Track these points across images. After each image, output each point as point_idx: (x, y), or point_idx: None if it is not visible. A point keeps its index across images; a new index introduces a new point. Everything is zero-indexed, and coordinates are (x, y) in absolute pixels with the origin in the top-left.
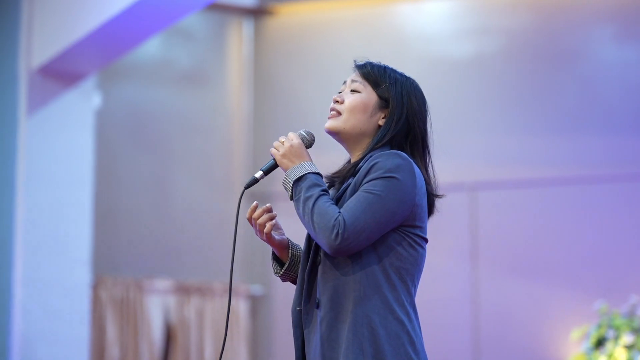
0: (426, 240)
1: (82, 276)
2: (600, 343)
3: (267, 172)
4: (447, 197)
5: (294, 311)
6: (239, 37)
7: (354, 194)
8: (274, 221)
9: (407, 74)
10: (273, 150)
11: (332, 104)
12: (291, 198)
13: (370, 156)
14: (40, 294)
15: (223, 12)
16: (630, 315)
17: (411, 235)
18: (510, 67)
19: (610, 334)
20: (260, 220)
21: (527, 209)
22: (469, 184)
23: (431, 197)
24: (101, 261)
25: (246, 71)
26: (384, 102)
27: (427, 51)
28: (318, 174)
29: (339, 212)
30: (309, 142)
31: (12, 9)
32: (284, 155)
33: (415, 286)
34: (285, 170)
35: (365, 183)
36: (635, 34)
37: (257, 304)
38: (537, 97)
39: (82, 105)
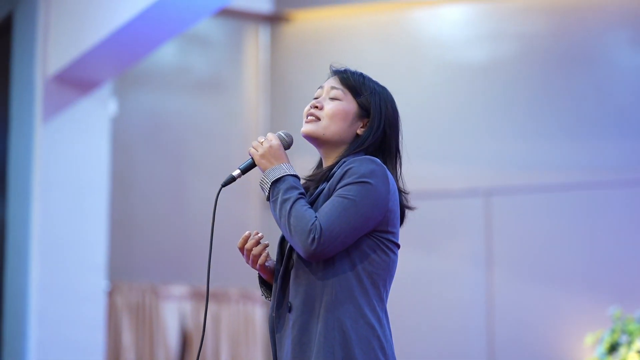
0: (398, 246)
1: (98, 282)
2: (613, 348)
3: (244, 171)
4: (462, 202)
5: (270, 317)
6: (256, 43)
7: (328, 198)
8: (267, 250)
9: (385, 82)
10: (252, 150)
11: (309, 109)
12: (268, 199)
13: (344, 161)
14: (56, 300)
15: (239, 19)
16: None
17: (384, 240)
18: (525, 72)
19: (624, 339)
20: (255, 252)
21: (541, 214)
22: (484, 189)
23: (403, 207)
24: (117, 267)
25: (262, 77)
26: (363, 111)
27: (442, 56)
28: (296, 176)
29: (316, 216)
30: (287, 144)
31: (28, 17)
32: (262, 156)
33: (387, 291)
34: (263, 171)
35: (339, 188)
36: None
37: None
38: (551, 102)
39: (98, 112)
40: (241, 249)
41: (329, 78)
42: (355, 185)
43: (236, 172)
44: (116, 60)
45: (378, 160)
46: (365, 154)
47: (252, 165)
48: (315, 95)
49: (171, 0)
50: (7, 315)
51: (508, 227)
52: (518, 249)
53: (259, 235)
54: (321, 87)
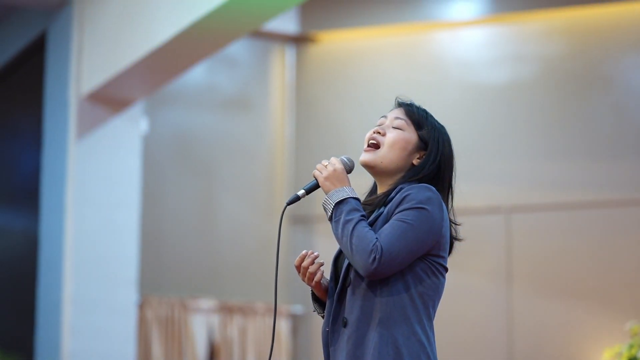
0: (447, 270)
1: (128, 296)
2: None
3: (308, 192)
4: (483, 219)
5: (323, 331)
6: (282, 63)
7: (385, 222)
8: (321, 269)
9: (445, 111)
10: (316, 173)
11: (371, 134)
12: (330, 219)
13: (401, 188)
14: (88, 313)
15: (266, 39)
16: None
17: (435, 264)
18: (545, 92)
19: None
20: (311, 269)
21: (560, 232)
22: (505, 207)
23: (452, 238)
24: (147, 281)
25: (288, 96)
26: (422, 144)
27: (464, 77)
28: (358, 199)
29: (377, 238)
30: (349, 168)
31: (62, 36)
32: (326, 178)
33: (434, 311)
34: (326, 192)
35: (398, 212)
36: None
37: (298, 323)
38: (571, 122)
39: (129, 130)
40: (298, 267)
41: (393, 109)
42: (413, 210)
43: (301, 192)
44: (149, 80)
45: (434, 188)
46: (418, 183)
47: (315, 186)
48: (378, 123)
49: (206, 23)
50: (41, 328)
51: (528, 244)
52: (538, 266)
53: (315, 254)
54: (385, 116)
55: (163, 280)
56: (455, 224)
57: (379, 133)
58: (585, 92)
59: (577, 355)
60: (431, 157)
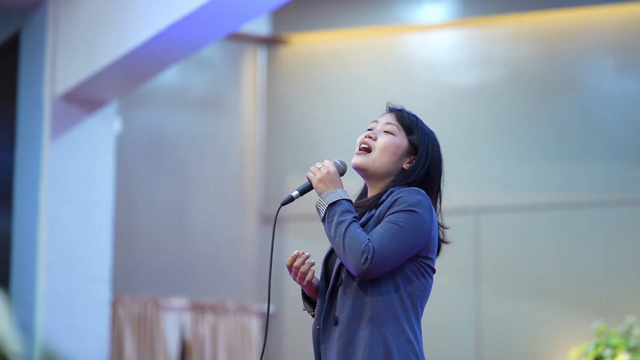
0: (434, 271)
1: (102, 294)
2: None
3: (302, 193)
4: (451, 220)
5: (314, 329)
6: (253, 65)
7: (377, 223)
8: (314, 268)
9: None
10: (310, 175)
11: (363, 138)
12: (323, 220)
13: (392, 191)
14: (62, 311)
15: (238, 41)
16: (627, 334)
17: (424, 265)
18: (514, 95)
19: (608, 352)
20: (303, 269)
21: (528, 232)
22: (472, 208)
23: (440, 241)
24: (120, 280)
25: (260, 97)
26: (412, 149)
27: (433, 79)
28: (350, 201)
29: (369, 239)
30: (342, 171)
31: (37, 37)
32: (320, 180)
33: (422, 311)
34: (319, 194)
35: (389, 214)
36: (634, 65)
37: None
38: (538, 125)
39: (103, 130)
40: (289, 267)
41: (384, 114)
42: (404, 213)
43: (295, 193)
44: (124, 81)
45: (424, 192)
46: (408, 187)
47: (309, 188)
48: (370, 127)
49: (182, 26)
50: (14, 327)
51: (496, 244)
52: (505, 266)
53: (307, 254)
54: (376, 121)
55: (135, 278)
56: (443, 227)
57: (371, 137)
58: (553, 95)
59: (544, 354)
60: (421, 161)
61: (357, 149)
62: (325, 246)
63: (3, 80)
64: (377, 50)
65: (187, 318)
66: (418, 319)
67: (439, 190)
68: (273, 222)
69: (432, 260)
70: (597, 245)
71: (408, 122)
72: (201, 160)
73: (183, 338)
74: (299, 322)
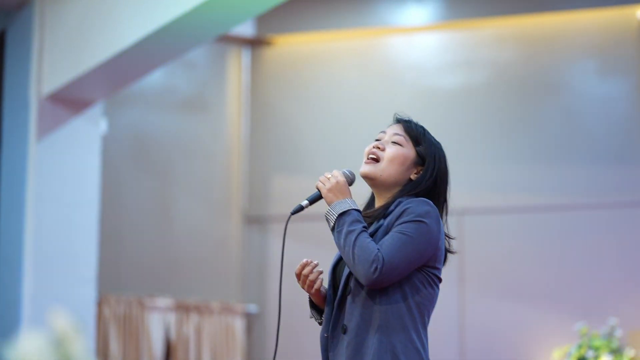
0: (441, 281)
1: (88, 294)
2: None
3: (312, 202)
4: None
5: (322, 337)
6: (238, 65)
7: (385, 233)
8: (322, 276)
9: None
10: (319, 184)
11: (371, 148)
12: (332, 229)
13: (400, 201)
14: (47, 311)
15: (223, 42)
16: (609, 336)
17: (431, 275)
18: (497, 97)
19: (590, 354)
20: (311, 277)
21: (511, 234)
22: (456, 209)
23: (446, 250)
24: (105, 280)
25: (244, 98)
26: (420, 159)
27: (417, 81)
28: (359, 211)
29: (378, 248)
30: (350, 181)
31: (22, 37)
32: (329, 190)
33: (429, 320)
34: (329, 204)
35: (398, 225)
36: (615, 68)
37: (252, 322)
38: (522, 127)
39: (89, 130)
40: (298, 275)
41: (391, 124)
42: (413, 223)
43: (304, 203)
44: (111, 82)
45: (432, 202)
46: (416, 197)
47: (318, 197)
48: (377, 138)
49: (170, 29)
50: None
51: (479, 246)
52: (489, 267)
53: (315, 262)
54: (384, 131)
55: (121, 278)
56: (450, 237)
57: (379, 148)
58: (537, 98)
59: (527, 355)
60: (428, 172)
61: (365, 159)
62: (310, 246)
63: None
64: (360, 52)
65: (171, 318)
66: (425, 327)
67: (445, 200)
68: (284, 231)
69: (439, 270)
70: (579, 247)
71: (415, 133)
72: (186, 160)
73: (168, 338)
74: (282, 323)
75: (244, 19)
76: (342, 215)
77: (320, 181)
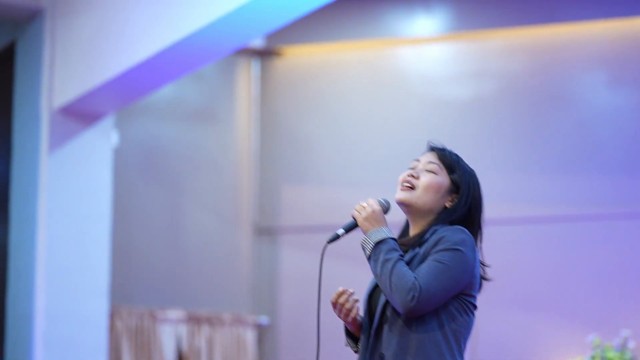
0: (476, 308)
1: (100, 307)
2: None
3: (347, 231)
4: None
5: None
6: (247, 77)
7: (421, 262)
8: (358, 304)
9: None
10: (355, 213)
11: (405, 177)
12: (368, 257)
13: (436, 230)
14: (60, 324)
15: (232, 53)
16: (622, 348)
17: (467, 302)
18: (507, 108)
19: None
20: (347, 306)
21: (523, 245)
22: None
23: (481, 278)
24: (117, 292)
25: (253, 109)
26: (454, 187)
27: (426, 92)
28: (395, 239)
29: (415, 277)
30: (385, 209)
31: (33, 50)
32: (365, 219)
33: (465, 347)
34: (365, 232)
35: (434, 253)
36: (625, 80)
37: (263, 334)
38: (531, 138)
39: (101, 143)
40: (334, 304)
41: (425, 152)
42: (449, 251)
43: (340, 232)
44: (123, 96)
45: (467, 230)
46: (451, 225)
47: (354, 226)
48: (412, 166)
49: (180, 45)
50: (10, 340)
51: (491, 256)
52: (500, 279)
53: (351, 291)
54: (417, 159)
55: (132, 290)
56: (484, 265)
57: (413, 176)
58: (545, 109)
59: None
60: (462, 200)
61: (399, 187)
62: (317, 258)
63: None
64: (370, 63)
65: (183, 330)
66: (462, 354)
67: (480, 227)
68: (320, 259)
69: (475, 297)
70: (591, 258)
71: (449, 161)
72: (196, 172)
73: (179, 350)
74: (293, 334)
75: (256, 36)
76: (378, 243)
77: (356, 210)
